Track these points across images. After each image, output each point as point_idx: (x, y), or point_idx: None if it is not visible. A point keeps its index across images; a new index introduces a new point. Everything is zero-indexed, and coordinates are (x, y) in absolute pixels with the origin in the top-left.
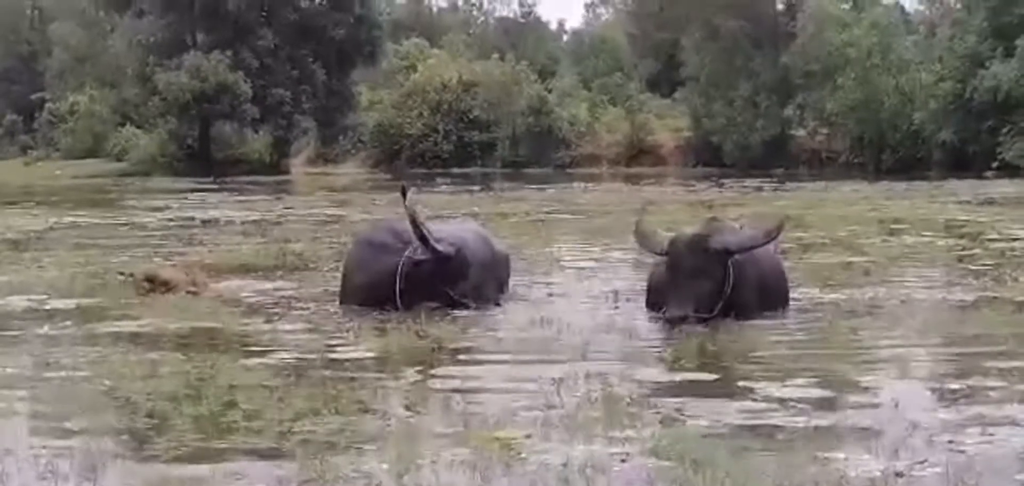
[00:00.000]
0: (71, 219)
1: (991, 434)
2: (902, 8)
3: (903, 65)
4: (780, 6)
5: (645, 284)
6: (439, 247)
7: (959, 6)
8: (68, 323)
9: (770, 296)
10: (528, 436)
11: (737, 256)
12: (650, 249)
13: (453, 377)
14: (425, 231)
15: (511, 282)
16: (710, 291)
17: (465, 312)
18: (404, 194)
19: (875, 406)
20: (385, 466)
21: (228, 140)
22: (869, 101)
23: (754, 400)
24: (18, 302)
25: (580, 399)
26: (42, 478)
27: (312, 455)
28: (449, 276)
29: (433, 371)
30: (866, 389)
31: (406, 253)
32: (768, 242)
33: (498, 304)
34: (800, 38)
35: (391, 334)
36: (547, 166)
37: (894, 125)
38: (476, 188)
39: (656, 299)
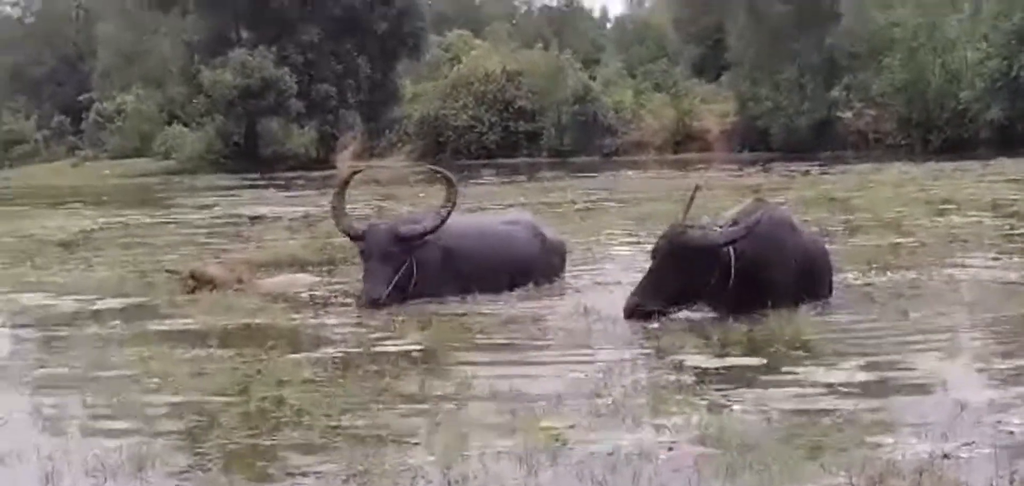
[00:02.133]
0: (119, 219)
1: None
2: None
3: (949, 44)
4: None
5: None
6: (346, 225)
7: None
8: (117, 322)
9: (812, 282)
10: (574, 426)
11: (730, 247)
12: None
13: (499, 368)
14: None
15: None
16: (679, 284)
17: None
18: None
19: (923, 388)
20: (432, 458)
21: (274, 136)
22: (915, 81)
23: (801, 385)
24: (68, 303)
25: (626, 387)
26: (92, 476)
27: (359, 449)
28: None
29: (478, 362)
30: (914, 371)
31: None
32: (749, 233)
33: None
34: (845, 19)
35: (435, 326)
36: (593, 154)
37: (941, 105)
38: (522, 178)
39: None
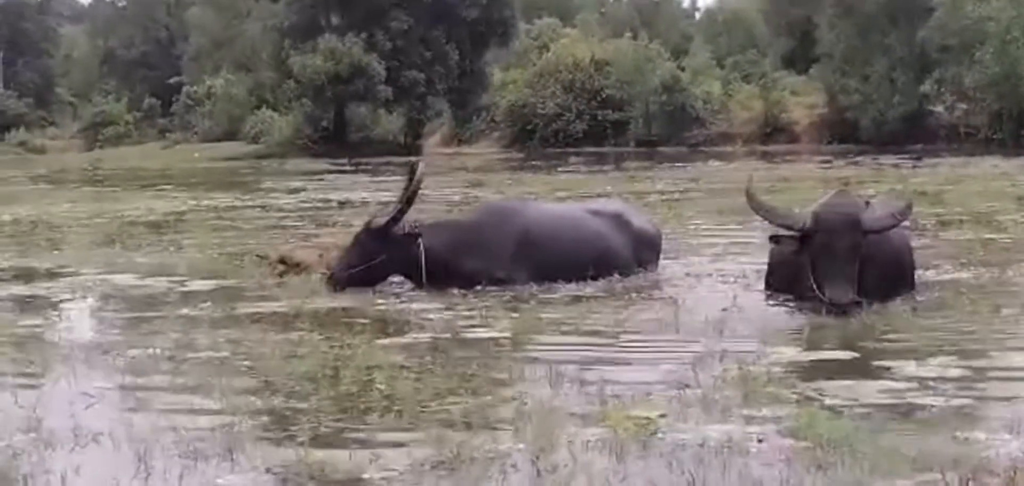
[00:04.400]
0: (209, 201)
1: None
2: None
3: None
4: None
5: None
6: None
7: None
8: (207, 304)
9: (899, 275)
10: (664, 416)
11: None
12: (786, 224)
13: (587, 357)
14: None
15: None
16: (858, 272)
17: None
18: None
19: (1016, 385)
20: (521, 446)
21: (362, 122)
22: (1008, 75)
23: (893, 379)
24: (158, 283)
25: (716, 379)
26: (184, 458)
27: (449, 435)
28: None
29: (567, 351)
30: (1006, 368)
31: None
32: (902, 222)
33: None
34: (937, 12)
35: (522, 313)
36: (680, 145)
37: None
38: (609, 167)
39: (779, 280)
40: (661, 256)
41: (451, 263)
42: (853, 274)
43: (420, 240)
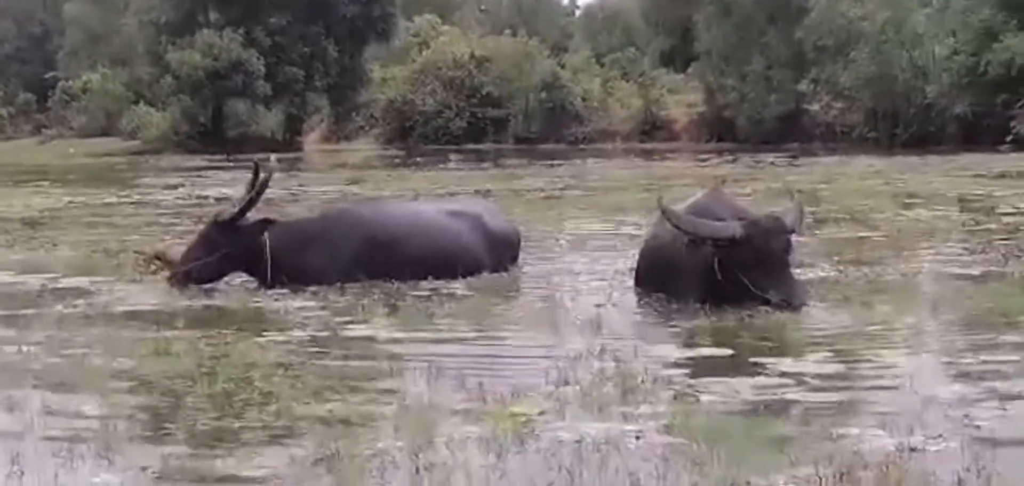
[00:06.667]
0: (85, 197)
1: (1006, 409)
2: None
3: (917, 39)
4: None
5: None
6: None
7: None
8: (81, 302)
9: None
10: (542, 413)
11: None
12: (714, 236)
13: (466, 355)
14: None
15: (520, 258)
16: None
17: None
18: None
19: (889, 381)
20: (400, 444)
21: (240, 118)
22: (883, 75)
23: (768, 376)
24: (32, 281)
25: (594, 376)
26: (58, 457)
27: (328, 433)
28: None
29: (445, 349)
30: (880, 364)
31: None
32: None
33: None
34: (814, 12)
35: (400, 311)
36: (560, 142)
37: (908, 99)
38: (488, 165)
39: (651, 279)
40: (520, 255)
41: (297, 260)
42: (792, 272)
43: (266, 234)
